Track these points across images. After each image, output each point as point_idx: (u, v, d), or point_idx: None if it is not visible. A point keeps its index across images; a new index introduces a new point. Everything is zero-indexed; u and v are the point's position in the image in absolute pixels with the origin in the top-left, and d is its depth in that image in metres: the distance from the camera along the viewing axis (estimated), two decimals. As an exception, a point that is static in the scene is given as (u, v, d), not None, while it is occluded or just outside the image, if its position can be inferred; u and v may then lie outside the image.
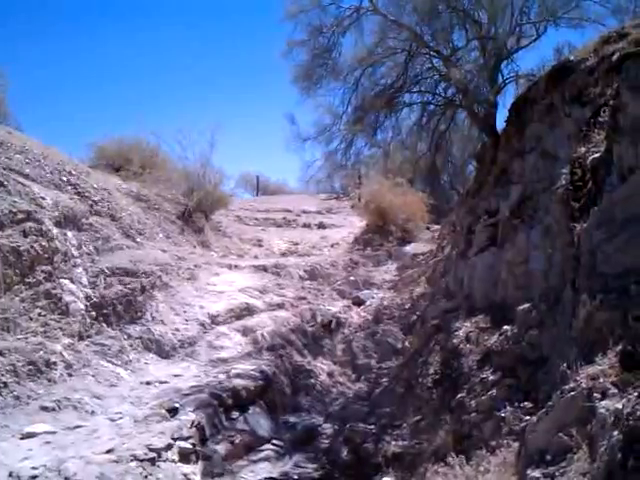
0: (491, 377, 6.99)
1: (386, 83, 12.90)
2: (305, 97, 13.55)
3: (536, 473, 4.43)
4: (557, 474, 4.21)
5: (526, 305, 7.07)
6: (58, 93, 75.32)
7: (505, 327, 7.38)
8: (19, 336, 8.87)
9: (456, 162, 16.51)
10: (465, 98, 11.75)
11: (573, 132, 7.15)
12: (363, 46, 12.68)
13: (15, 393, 8.11)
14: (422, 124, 13.40)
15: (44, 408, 8.14)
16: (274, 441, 9.06)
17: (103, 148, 19.37)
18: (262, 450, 8.78)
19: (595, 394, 4.19)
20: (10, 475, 6.33)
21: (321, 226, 23.36)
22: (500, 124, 11.22)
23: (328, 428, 9.57)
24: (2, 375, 8.11)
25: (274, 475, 8.15)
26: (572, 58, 8.27)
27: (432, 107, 13.25)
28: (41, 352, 8.87)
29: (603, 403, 4.02)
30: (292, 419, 9.89)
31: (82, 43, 76.90)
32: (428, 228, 19.38)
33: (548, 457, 4.49)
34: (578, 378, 4.56)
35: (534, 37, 11.41)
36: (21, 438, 7.39)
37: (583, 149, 6.36)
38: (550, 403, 4.85)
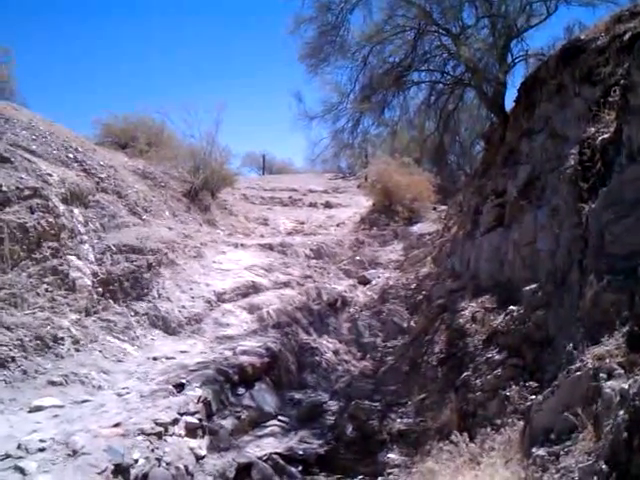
0: (496, 357, 7.01)
1: (394, 61, 12.78)
2: (312, 75, 13.49)
3: (541, 452, 4.45)
4: (562, 453, 4.24)
5: (533, 285, 7.07)
6: (64, 71, 75.09)
7: (511, 307, 7.39)
8: (26, 311, 8.92)
9: (464, 142, 16.42)
10: (474, 77, 11.64)
11: (583, 112, 7.09)
12: (371, 23, 12.56)
13: (23, 367, 8.20)
14: (430, 103, 13.30)
15: (52, 382, 8.23)
16: (280, 417, 9.15)
17: (109, 125, 19.36)
18: (268, 426, 8.88)
19: (601, 374, 4.20)
20: (19, 447, 6.41)
21: (327, 205, 23.33)
22: (509, 104, 11.16)
23: (333, 405, 9.65)
24: (10, 350, 8.19)
25: (279, 450, 8.23)
26: (583, 37, 8.19)
27: (440, 86, 13.14)
28: (48, 327, 8.94)
29: (609, 383, 4.03)
30: (298, 396, 9.97)
31: (89, 22, 76.58)
32: (435, 208, 19.34)
33: (553, 436, 4.52)
34: (584, 358, 4.57)
35: (544, 16, 11.27)
36: (29, 411, 7.49)
37: (592, 129, 6.32)
38: (556, 383, 4.86)
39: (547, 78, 8.75)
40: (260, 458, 7.94)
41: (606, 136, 5.90)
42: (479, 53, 11.53)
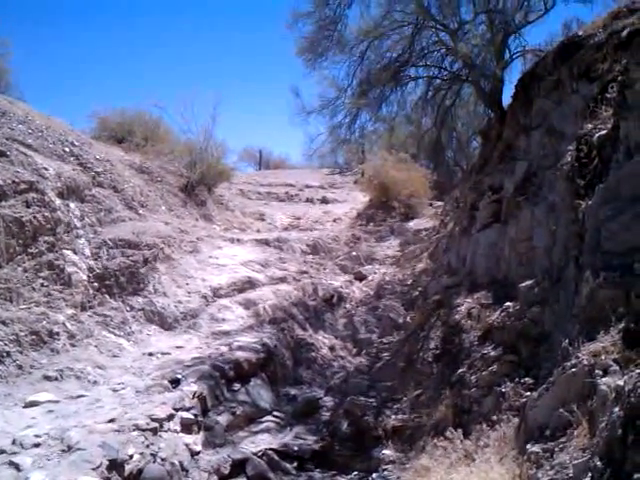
0: (492, 353, 7.01)
1: (392, 56, 12.75)
2: (310, 70, 13.47)
3: (536, 448, 4.45)
4: (557, 449, 4.24)
5: (529, 282, 7.06)
6: (61, 64, 74.80)
7: (507, 303, 7.38)
8: (22, 306, 8.90)
9: (461, 138, 16.37)
10: (471, 73, 11.62)
11: (580, 108, 7.08)
12: (369, 18, 12.54)
13: (18, 362, 8.18)
14: (427, 99, 13.29)
15: (47, 377, 8.21)
16: (275, 413, 9.15)
17: (105, 119, 19.26)
18: (263, 421, 8.87)
19: (597, 371, 4.19)
20: (13, 443, 6.40)
21: (324, 201, 23.32)
22: (506, 100, 11.13)
23: (329, 401, 9.65)
24: (5, 345, 8.16)
25: (274, 446, 8.22)
26: (580, 33, 8.17)
27: (438, 81, 13.12)
28: (44, 322, 8.92)
29: (604, 380, 4.02)
30: (293, 391, 9.96)
31: (86, 17, 76.22)
32: (431, 204, 19.36)
33: (548, 432, 4.52)
34: (580, 355, 4.56)
35: (542, 12, 11.23)
36: (24, 407, 7.48)
37: (590, 126, 6.31)
38: (551, 379, 4.86)
39: (544, 74, 8.73)
40: (255, 454, 7.94)
41: (603, 133, 5.89)
42: (476, 49, 11.51)
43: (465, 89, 13.50)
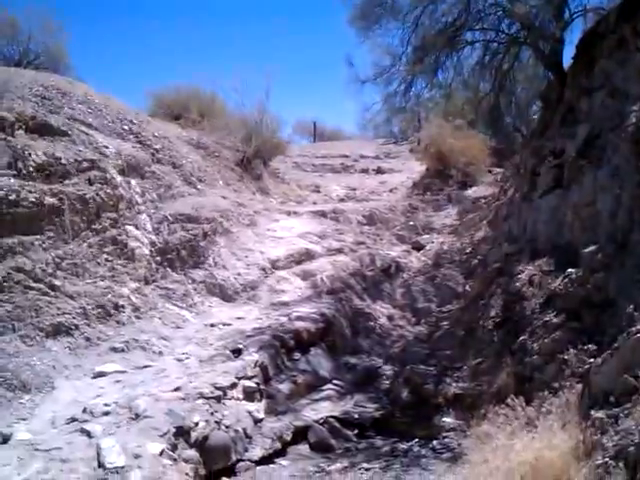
0: (554, 320, 6.89)
1: (447, 21, 12.42)
2: (363, 38, 13.26)
3: (600, 414, 4.40)
4: (622, 415, 4.18)
5: (592, 247, 6.88)
6: (117, 44, 76.04)
7: (570, 270, 7.22)
8: (88, 280, 9.20)
9: (520, 102, 15.90)
10: (530, 35, 11.26)
11: (645, 67, 6.81)
12: (423, -17, 12.24)
13: (86, 335, 8.49)
14: (485, 63, 12.93)
15: (114, 349, 8.51)
16: (335, 381, 9.25)
17: (162, 97, 19.53)
18: (323, 390, 8.98)
19: (663, 336, 4.10)
20: (84, 411, 6.69)
21: (379, 171, 23.15)
22: (567, 61, 10.75)
23: (388, 369, 9.68)
24: (74, 318, 8.48)
25: (335, 414, 8.32)
26: (646, -13, 7.82)
27: (495, 45, 12.75)
28: (109, 296, 9.22)
29: (671, 345, 3.94)
30: (352, 360, 10.02)
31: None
32: (490, 171, 18.97)
33: (612, 399, 4.45)
34: (646, 320, 4.47)
35: (604, -34, 10.78)
36: (93, 377, 7.78)
37: (656, 84, 6.07)
38: (615, 345, 4.77)
39: (607, 33, 8.40)
40: (316, 421, 8.06)
41: (670, 90, 5.66)
42: (535, 10, 11.10)
43: (524, 52, 13.07)
